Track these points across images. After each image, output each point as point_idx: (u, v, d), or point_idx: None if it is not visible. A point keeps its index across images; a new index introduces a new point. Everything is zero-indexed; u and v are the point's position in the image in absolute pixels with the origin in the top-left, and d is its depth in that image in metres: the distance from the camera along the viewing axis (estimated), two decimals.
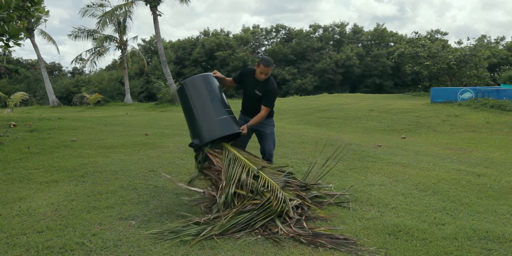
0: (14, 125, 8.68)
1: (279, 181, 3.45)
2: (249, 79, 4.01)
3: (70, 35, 25.48)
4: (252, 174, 3.36)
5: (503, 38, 39.84)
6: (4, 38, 6.12)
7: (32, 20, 22.45)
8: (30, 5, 6.57)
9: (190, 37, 41.61)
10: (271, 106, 3.98)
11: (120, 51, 26.30)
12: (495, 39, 39.73)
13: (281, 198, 3.19)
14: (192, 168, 5.03)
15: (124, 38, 26.03)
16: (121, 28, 25.44)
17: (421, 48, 20.82)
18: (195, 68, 37.53)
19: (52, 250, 2.66)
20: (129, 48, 27.46)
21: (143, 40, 41.14)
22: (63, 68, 41.38)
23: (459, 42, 23.74)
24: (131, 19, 34.13)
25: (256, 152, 5.83)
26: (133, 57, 31.75)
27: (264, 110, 3.94)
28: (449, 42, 37.12)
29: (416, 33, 25.00)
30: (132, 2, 23.23)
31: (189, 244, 2.76)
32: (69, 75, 40.51)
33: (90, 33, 25.16)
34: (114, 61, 36.13)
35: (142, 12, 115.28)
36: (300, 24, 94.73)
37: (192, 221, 3.08)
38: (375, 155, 6.15)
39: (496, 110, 12.04)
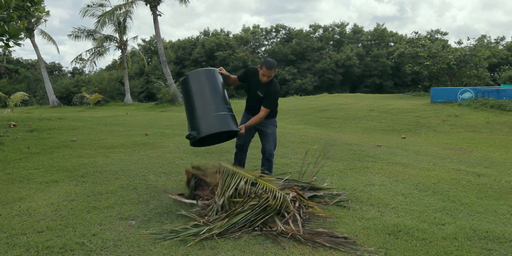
0: (14, 125, 8.68)
1: (277, 185, 3.46)
2: (253, 79, 4.02)
3: (70, 35, 25.55)
4: (250, 182, 3.38)
5: (503, 38, 39.89)
6: (4, 38, 6.12)
7: (32, 20, 22.47)
8: (30, 5, 6.58)
9: (190, 37, 41.64)
10: (271, 107, 3.98)
11: (120, 51, 26.32)
12: (495, 39, 39.77)
13: (279, 196, 3.20)
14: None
15: (124, 38, 26.05)
16: (121, 28, 25.46)
17: (421, 48, 20.82)
18: (195, 68, 37.15)
19: (52, 250, 2.66)
20: (129, 48, 27.49)
21: (143, 40, 41.20)
22: (63, 68, 41.44)
23: (459, 42, 23.78)
24: (131, 19, 34.25)
25: (257, 151, 5.84)
26: (133, 57, 31.76)
27: (263, 111, 3.93)
28: (449, 42, 37.17)
29: (416, 33, 25.04)
30: (132, 2, 23.25)
31: (189, 244, 2.76)
32: (69, 75, 40.52)
33: (90, 33, 25.18)
34: (114, 61, 36.15)
35: (142, 12, 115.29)
36: (300, 24, 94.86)
37: (191, 223, 3.08)
38: (375, 155, 6.15)
39: (496, 110, 12.04)
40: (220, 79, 3.85)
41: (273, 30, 42.19)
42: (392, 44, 40.49)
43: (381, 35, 40.54)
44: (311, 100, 19.76)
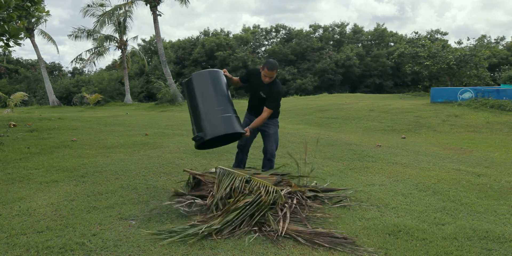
0: (14, 125, 8.68)
1: (271, 181, 3.49)
2: (255, 80, 4.02)
3: (70, 35, 25.57)
4: (244, 180, 3.41)
5: (503, 38, 39.88)
6: (4, 38, 6.13)
7: (32, 20, 22.47)
8: (30, 5, 6.57)
9: (190, 37, 41.61)
10: (273, 108, 3.98)
11: (120, 51, 26.32)
12: (495, 39, 39.77)
13: (272, 191, 3.23)
14: (191, 168, 5.03)
15: (124, 38, 26.05)
16: (121, 28, 25.46)
17: (421, 48, 20.81)
18: (195, 68, 37.50)
19: (52, 250, 2.66)
20: (129, 48, 27.48)
21: (143, 40, 41.17)
22: (63, 68, 41.43)
23: (459, 42, 23.75)
24: (131, 19, 34.25)
25: (257, 151, 5.84)
26: (133, 57, 31.74)
27: (266, 112, 3.94)
28: (449, 42, 37.13)
29: (416, 33, 25.02)
30: (132, 2, 23.25)
31: (188, 244, 2.76)
32: (69, 75, 40.51)
33: (90, 33, 25.18)
34: (114, 61, 36.14)
35: (142, 12, 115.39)
36: (300, 24, 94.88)
37: (189, 223, 3.10)
38: (375, 155, 6.15)
39: (496, 110, 12.04)
40: (224, 80, 3.84)
41: (273, 30, 42.19)
42: (392, 44, 40.48)
43: (381, 35, 40.53)
44: (311, 100, 19.76)
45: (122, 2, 23.47)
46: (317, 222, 3.23)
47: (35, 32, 24.79)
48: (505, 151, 7.02)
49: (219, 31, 41.82)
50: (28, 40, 24.43)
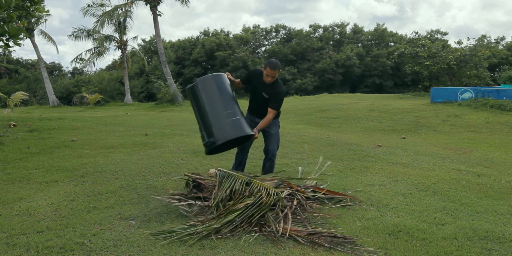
0: (14, 125, 8.68)
1: (271, 183, 3.49)
2: (257, 81, 4.02)
3: (70, 35, 25.56)
4: (245, 182, 3.42)
5: (503, 38, 39.90)
6: (4, 38, 6.13)
7: (32, 20, 22.46)
8: (30, 5, 6.57)
9: (190, 37, 41.62)
10: (277, 109, 3.99)
11: (120, 51, 26.32)
12: (495, 39, 39.78)
13: (273, 193, 3.24)
14: (191, 168, 5.03)
15: (124, 38, 26.05)
16: (121, 28, 25.45)
17: (421, 48, 20.82)
18: (195, 68, 37.54)
19: (52, 250, 2.66)
20: (129, 48, 27.49)
21: (143, 40, 41.18)
22: (63, 68, 41.43)
23: (459, 42, 23.74)
24: (131, 19, 34.22)
25: (257, 151, 5.84)
26: (133, 57, 31.75)
27: (271, 113, 3.95)
28: (449, 42, 37.12)
29: (416, 33, 25.05)
30: (132, 2, 23.25)
31: (188, 244, 2.76)
32: (69, 75, 40.50)
33: (90, 33, 25.18)
34: (114, 61, 36.15)
35: (142, 12, 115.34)
36: (300, 24, 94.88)
37: (189, 223, 3.10)
38: (375, 155, 6.15)
39: (496, 110, 12.04)
40: (228, 82, 3.86)
41: (273, 30, 42.21)
42: (392, 44, 40.50)
43: (381, 35, 40.54)
44: (311, 100, 19.76)
45: (122, 2, 23.49)
46: (317, 222, 3.23)
47: (35, 32, 24.81)
48: (505, 151, 7.02)
49: (219, 31, 41.85)
50: (28, 40, 24.45)
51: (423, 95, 21.54)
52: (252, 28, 42.11)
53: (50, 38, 25.76)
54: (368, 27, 79.21)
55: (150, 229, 3.01)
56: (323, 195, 3.79)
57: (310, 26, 41.51)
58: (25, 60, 39.53)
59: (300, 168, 4.61)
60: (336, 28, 41.34)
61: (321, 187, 4.03)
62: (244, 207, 3.14)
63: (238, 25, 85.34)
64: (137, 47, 32.49)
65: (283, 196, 3.34)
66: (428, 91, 20.87)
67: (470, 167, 5.54)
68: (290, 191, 3.55)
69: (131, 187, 4.16)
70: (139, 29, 78.81)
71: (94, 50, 26.04)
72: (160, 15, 22.01)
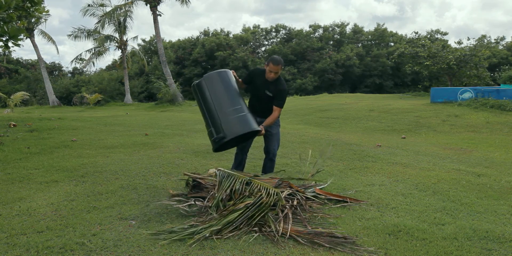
0: (14, 125, 8.68)
1: (271, 183, 3.50)
2: (259, 80, 4.03)
3: (70, 35, 25.55)
4: (245, 182, 3.43)
5: (503, 38, 39.90)
6: (4, 39, 6.12)
7: (32, 20, 22.46)
8: (30, 5, 6.57)
9: (190, 37, 41.61)
10: (282, 106, 4.03)
11: (120, 51, 26.32)
12: (495, 39, 39.79)
13: (273, 193, 3.24)
14: (191, 168, 5.03)
15: (124, 38, 26.05)
16: (121, 28, 25.46)
17: (421, 48, 20.82)
18: (195, 68, 37.54)
19: (52, 250, 2.66)
20: (129, 48, 27.49)
21: (143, 40, 41.18)
22: (63, 68, 41.43)
23: (459, 42, 23.75)
24: (131, 19, 34.19)
25: (257, 151, 5.84)
26: (133, 57, 31.75)
27: (277, 111, 3.98)
28: (449, 42, 37.15)
29: (416, 33, 25.04)
30: (132, 2, 23.27)
31: (188, 244, 2.76)
32: (69, 75, 40.51)
33: (90, 33, 25.18)
34: (114, 61, 36.15)
35: (142, 12, 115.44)
36: (300, 24, 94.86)
37: (188, 223, 3.10)
38: (375, 155, 6.15)
39: (496, 110, 12.04)
40: (233, 79, 3.88)
41: (273, 30, 42.20)
42: (392, 44, 40.49)
43: (381, 35, 40.54)
44: (311, 100, 19.76)
45: (122, 2, 23.52)
46: (317, 222, 3.23)
47: (35, 32, 24.82)
48: (505, 151, 7.02)
49: (219, 31, 41.84)
50: (28, 40, 24.46)
51: (423, 95, 21.54)
52: (252, 28, 42.11)
53: (50, 38, 25.78)
54: (368, 27, 79.32)
55: (150, 229, 3.02)
56: (323, 195, 3.80)
57: (310, 26, 41.54)
58: (25, 60, 39.59)
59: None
60: (336, 28, 41.34)
61: (320, 187, 4.04)
62: (245, 207, 3.14)
63: (238, 25, 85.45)
64: (137, 47, 32.53)
65: (283, 196, 3.34)
66: (428, 91, 20.87)
67: (470, 167, 5.54)
68: (290, 191, 3.55)
69: (131, 187, 4.17)
70: (139, 29, 78.86)
71: (94, 50, 26.05)
72: (160, 15, 22.05)
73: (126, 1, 23.12)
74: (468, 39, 54.79)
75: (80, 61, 27.43)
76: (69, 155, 5.79)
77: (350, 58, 36.72)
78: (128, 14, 24.61)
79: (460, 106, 13.02)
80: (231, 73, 3.92)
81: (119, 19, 24.73)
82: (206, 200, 3.46)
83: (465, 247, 2.80)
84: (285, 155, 6.04)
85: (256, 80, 4.07)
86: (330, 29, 41.46)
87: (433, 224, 3.23)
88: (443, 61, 19.44)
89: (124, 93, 27.55)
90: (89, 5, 23.80)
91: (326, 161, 5.62)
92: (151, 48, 39.15)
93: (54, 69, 40.08)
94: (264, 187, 3.34)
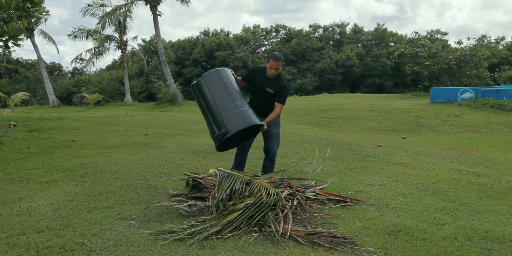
0: (14, 125, 8.68)
1: (271, 183, 3.50)
2: (260, 77, 4.03)
3: (69, 35, 25.54)
4: (245, 182, 3.43)
5: (503, 38, 39.90)
6: (4, 39, 6.12)
7: (32, 20, 22.47)
8: (30, 5, 6.57)
9: (190, 37, 41.60)
10: (284, 102, 4.05)
11: (120, 51, 26.32)
12: (495, 39, 39.78)
13: (273, 193, 3.24)
14: (191, 168, 5.03)
15: (124, 38, 26.05)
16: (121, 28, 25.46)
17: (421, 48, 20.81)
18: (195, 68, 37.53)
19: (52, 250, 2.66)
20: (129, 48, 27.49)
21: (143, 40, 41.19)
22: (63, 68, 41.44)
23: (459, 42, 23.74)
24: (131, 19, 34.25)
25: (257, 151, 5.84)
26: (133, 57, 31.76)
27: (278, 107, 3.99)
28: (449, 42, 37.16)
29: (416, 33, 25.04)
30: (132, 2, 23.28)
31: (188, 244, 2.76)
32: (69, 75, 40.52)
33: (90, 33, 25.18)
34: (114, 61, 36.16)
35: (142, 12, 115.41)
36: (300, 24, 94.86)
37: (188, 223, 3.10)
38: (375, 155, 6.15)
39: (496, 110, 12.04)
40: (232, 76, 3.89)
41: (273, 30, 42.20)
42: (392, 44, 40.49)
43: (381, 35, 40.54)
44: (311, 100, 19.76)
45: (122, 2, 23.53)
46: (317, 222, 3.23)
47: (35, 32, 24.83)
48: (505, 151, 7.02)
49: (219, 31, 41.83)
50: (28, 40, 24.47)
51: (423, 95, 21.54)
52: (252, 28, 42.10)
53: (50, 38, 25.79)
54: (368, 27, 79.33)
55: (150, 229, 3.02)
56: (323, 195, 3.80)
57: (310, 26, 41.54)
58: (25, 60, 39.59)
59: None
60: (336, 28, 41.34)
61: (320, 187, 4.04)
62: (244, 207, 3.14)
63: (238, 25, 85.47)
64: (137, 47, 32.55)
65: (283, 196, 3.35)
66: (428, 91, 20.87)
67: (470, 167, 5.54)
68: (290, 191, 3.56)
69: (131, 187, 4.17)
70: (139, 29, 78.87)
71: (94, 50, 26.04)
72: (160, 15, 22.06)
73: (126, 1, 23.13)
74: (468, 39, 54.79)
75: (80, 61, 27.46)
76: (69, 155, 5.79)
77: (350, 58, 36.72)
78: (128, 14, 24.63)
79: (460, 106, 13.02)
80: (230, 71, 3.93)
81: (119, 19, 24.73)
82: (206, 200, 3.47)
83: (465, 247, 2.80)
84: (285, 155, 6.04)
85: (256, 78, 4.07)
86: (330, 29, 41.46)
87: (433, 224, 3.23)
88: (443, 61, 19.44)
89: (124, 93, 27.56)
90: (89, 5, 23.81)
91: (326, 161, 5.62)
92: (151, 48, 39.15)
93: (54, 69, 40.08)
94: (264, 187, 3.34)
